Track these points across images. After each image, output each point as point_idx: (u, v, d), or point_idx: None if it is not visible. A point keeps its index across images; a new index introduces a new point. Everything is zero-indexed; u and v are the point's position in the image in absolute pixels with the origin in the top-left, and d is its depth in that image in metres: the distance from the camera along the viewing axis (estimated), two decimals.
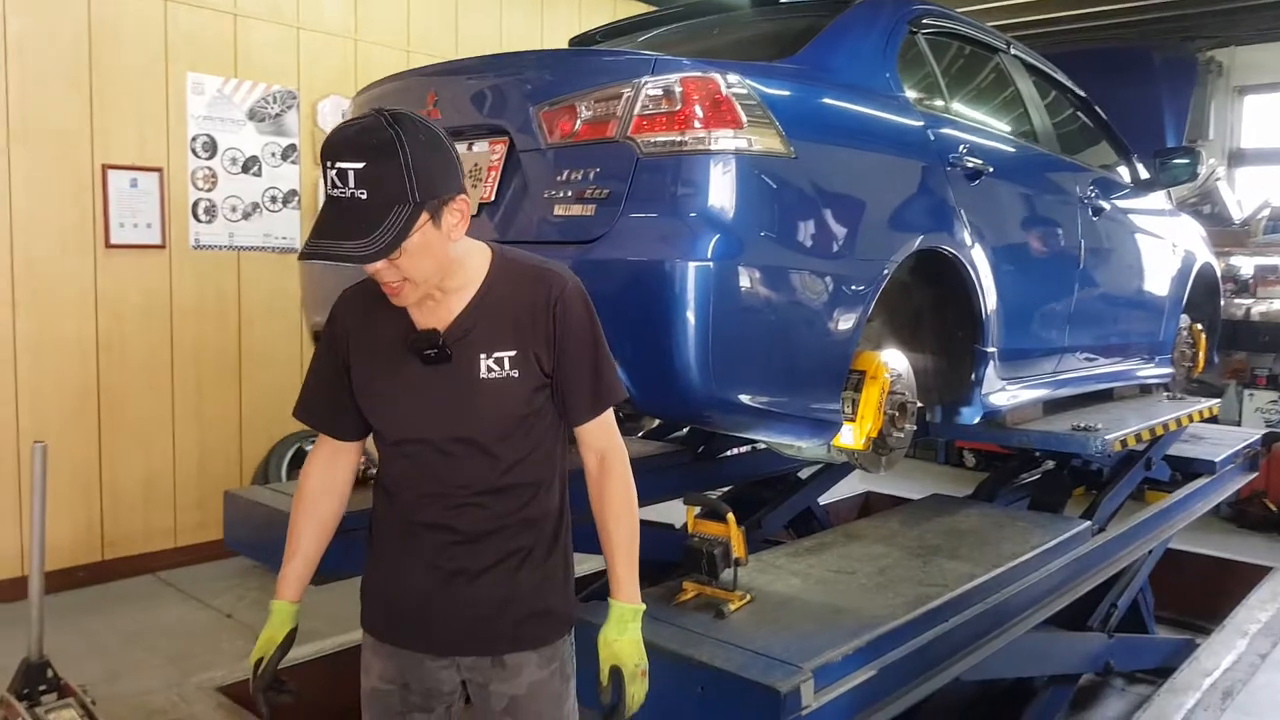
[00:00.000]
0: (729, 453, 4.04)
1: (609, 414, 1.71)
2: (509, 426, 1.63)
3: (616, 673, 1.66)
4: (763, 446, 4.17)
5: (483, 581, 1.67)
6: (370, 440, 1.79)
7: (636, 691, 1.68)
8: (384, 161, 1.46)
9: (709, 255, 2.06)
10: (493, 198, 2.37)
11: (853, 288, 2.31)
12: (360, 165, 1.45)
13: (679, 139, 2.11)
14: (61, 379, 4.19)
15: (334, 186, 1.47)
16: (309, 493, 1.77)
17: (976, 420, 2.81)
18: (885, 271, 2.37)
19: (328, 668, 3.63)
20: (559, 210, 2.23)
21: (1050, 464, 3.89)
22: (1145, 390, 4.18)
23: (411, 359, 1.63)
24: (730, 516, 2.20)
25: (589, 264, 2.14)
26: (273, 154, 4.79)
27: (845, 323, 2.29)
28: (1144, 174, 3.94)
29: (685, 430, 3.93)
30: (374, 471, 1.81)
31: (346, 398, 1.71)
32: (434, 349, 1.60)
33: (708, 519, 2.25)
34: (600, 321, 1.71)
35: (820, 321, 2.26)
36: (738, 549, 2.20)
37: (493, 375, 1.61)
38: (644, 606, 1.72)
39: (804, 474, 4.44)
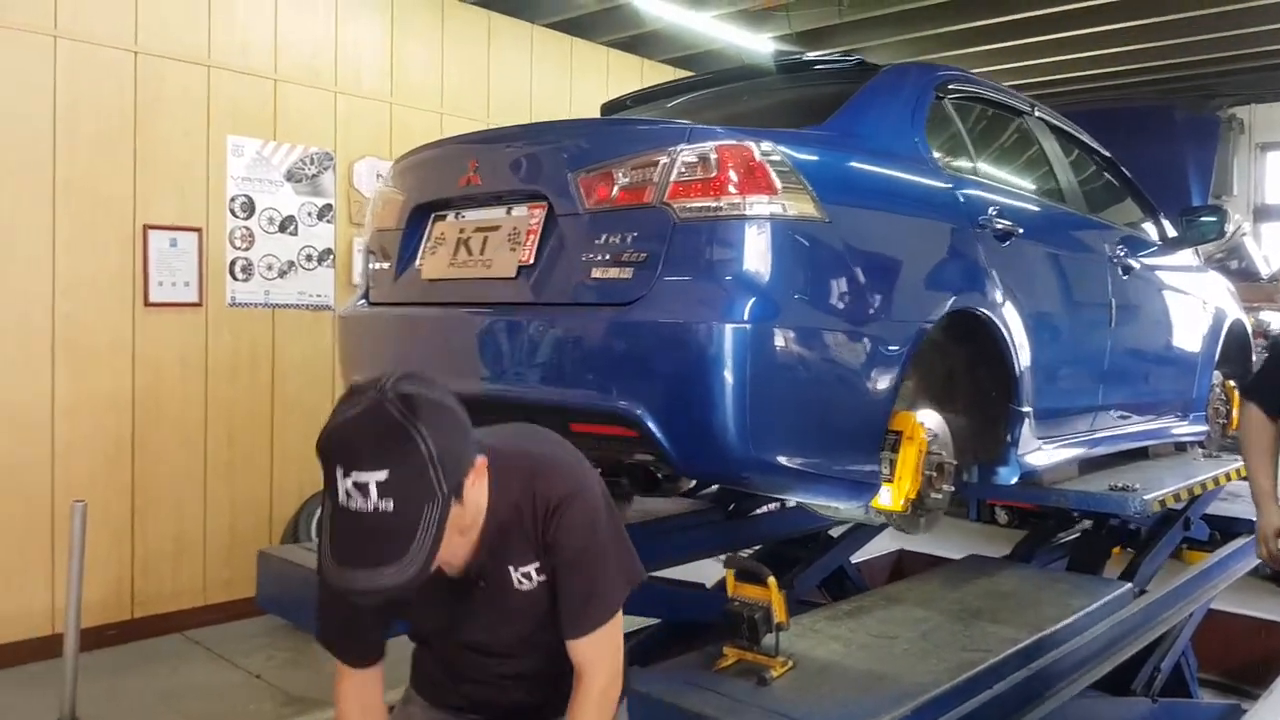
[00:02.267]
0: (760, 510, 4.02)
1: (601, 633, 1.57)
2: (548, 622, 1.59)
3: None
4: (794, 504, 4.16)
5: (534, 683, 1.68)
6: None
7: None
8: (407, 464, 1.30)
9: (745, 318, 2.09)
10: (531, 261, 2.41)
11: (888, 348, 2.32)
12: (383, 475, 1.28)
13: (714, 204, 2.15)
14: (96, 435, 4.25)
15: (350, 498, 1.29)
16: (352, 712, 1.67)
17: (1014, 480, 2.79)
18: (919, 332, 2.38)
19: None
20: (597, 273, 2.27)
21: (1088, 523, 3.84)
22: (1179, 448, 4.13)
23: (444, 598, 1.58)
24: (771, 580, 2.19)
25: (627, 326, 2.18)
26: (309, 213, 4.89)
27: (881, 383, 2.30)
28: (1171, 232, 3.95)
29: (715, 488, 3.92)
30: None
31: (370, 627, 1.63)
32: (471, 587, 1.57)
33: (747, 581, 2.23)
34: (607, 527, 1.58)
35: (857, 382, 2.27)
36: (779, 613, 2.18)
37: (524, 587, 1.56)
38: None
39: (835, 532, 4.40)
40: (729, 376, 2.07)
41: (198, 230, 4.52)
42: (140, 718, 3.34)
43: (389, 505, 1.29)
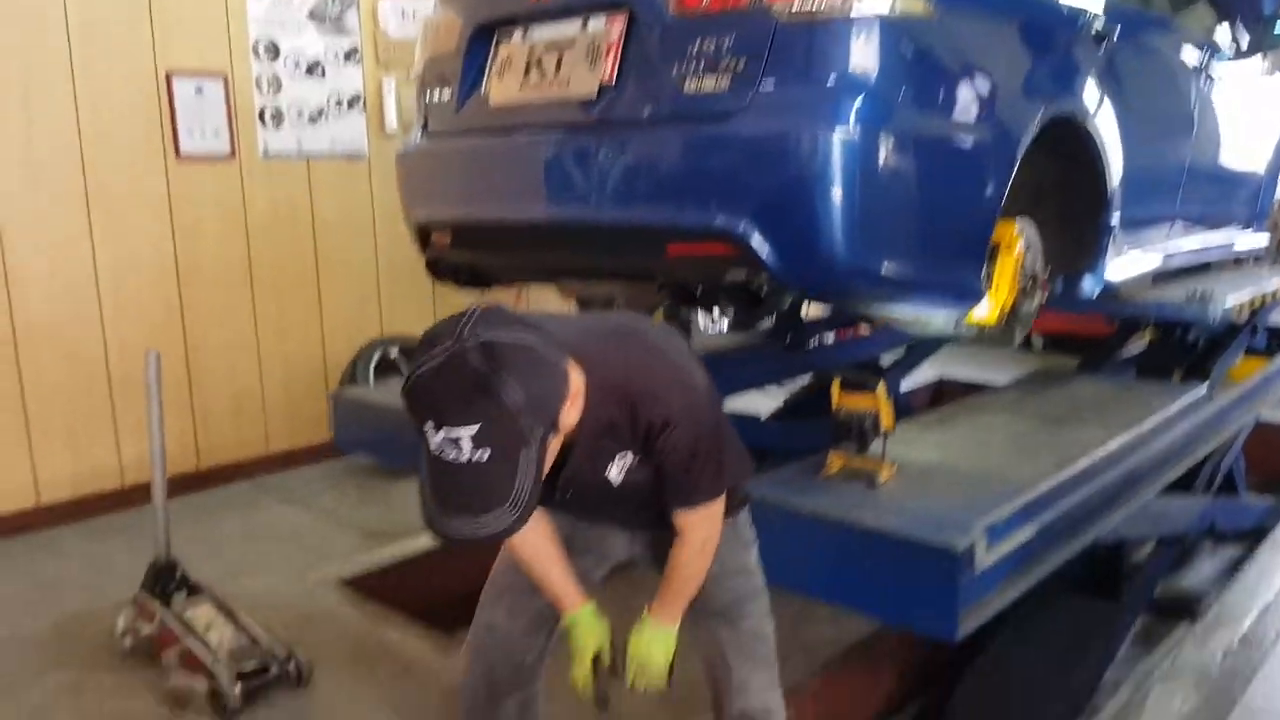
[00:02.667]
0: (814, 343, 4.05)
1: (704, 508, 1.62)
2: (646, 488, 1.61)
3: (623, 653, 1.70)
4: (865, 330, 4.18)
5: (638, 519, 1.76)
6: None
7: (638, 679, 1.69)
8: (498, 415, 1.26)
9: (853, 123, 2.02)
10: (613, 80, 2.31)
11: (994, 153, 2.26)
12: (474, 429, 1.25)
13: (819, 4, 2.04)
14: (143, 300, 4.21)
15: (444, 451, 1.27)
16: (521, 542, 1.69)
17: (1097, 292, 2.78)
18: (1025, 137, 2.31)
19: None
20: (690, 86, 2.18)
21: (1147, 340, 3.88)
22: (1237, 263, 4.12)
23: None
24: (880, 387, 2.21)
25: (726, 139, 2.11)
26: (335, 55, 4.68)
27: (988, 189, 2.25)
28: (1245, 38, 3.80)
29: (772, 320, 3.92)
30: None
31: None
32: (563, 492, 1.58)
33: (853, 390, 2.25)
34: (711, 436, 1.58)
35: (963, 188, 2.23)
36: (886, 420, 2.22)
37: (616, 474, 1.57)
38: (674, 629, 1.70)
39: (885, 361, 4.45)
40: (836, 186, 2.01)
41: (222, 76, 4.34)
42: (224, 557, 3.46)
43: (484, 455, 1.26)
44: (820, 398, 2.59)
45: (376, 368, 4.67)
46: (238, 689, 2.62)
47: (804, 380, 4.23)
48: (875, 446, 2.24)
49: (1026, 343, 6.98)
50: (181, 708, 2.65)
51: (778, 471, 2.32)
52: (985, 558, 1.90)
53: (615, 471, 1.55)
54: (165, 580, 3.05)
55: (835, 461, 2.28)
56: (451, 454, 1.26)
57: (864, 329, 4.21)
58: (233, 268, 4.47)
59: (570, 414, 1.39)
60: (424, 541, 3.83)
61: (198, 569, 3.09)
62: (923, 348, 4.30)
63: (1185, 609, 3.70)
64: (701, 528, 1.61)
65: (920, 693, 3.30)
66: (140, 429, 4.17)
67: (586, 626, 1.69)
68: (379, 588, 3.48)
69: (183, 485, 4.37)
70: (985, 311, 2.40)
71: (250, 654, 2.76)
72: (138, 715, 2.62)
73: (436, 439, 1.26)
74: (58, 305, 3.99)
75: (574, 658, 1.69)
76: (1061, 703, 3.03)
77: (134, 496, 4.15)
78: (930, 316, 2.44)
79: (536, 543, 1.70)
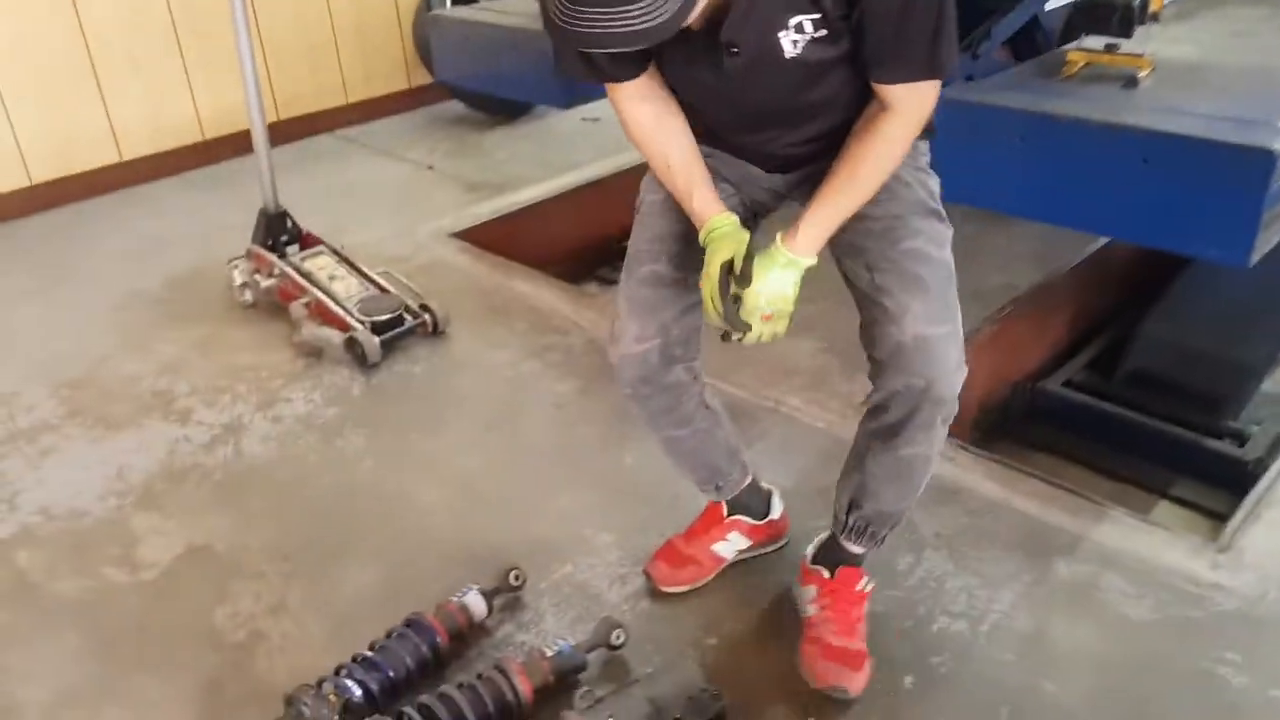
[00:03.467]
0: None
1: (917, 85, 1.23)
2: (823, 81, 1.27)
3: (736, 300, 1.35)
4: None
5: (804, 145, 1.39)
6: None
7: (756, 327, 1.35)
8: None
9: None
10: None
11: None
12: None
13: None
14: None
15: None
16: (649, 117, 1.38)
17: None
18: None
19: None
20: None
21: None
22: None
23: (702, 67, 1.26)
24: None
25: None
26: None
27: None
28: None
29: None
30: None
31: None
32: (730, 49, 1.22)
33: None
34: None
35: None
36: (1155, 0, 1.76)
37: (795, 50, 1.21)
38: (809, 263, 1.33)
39: None
40: None
41: None
42: (326, 211, 3.21)
43: None
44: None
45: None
46: (376, 340, 2.49)
47: None
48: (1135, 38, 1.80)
49: None
50: (317, 359, 2.55)
51: (999, 77, 1.90)
52: None
53: (791, 40, 1.20)
54: (276, 231, 2.84)
55: (1077, 60, 1.85)
56: None
57: None
58: None
59: None
60: (529, 194, 3.56)
61: (300, 223, 2.88)
62: None
63: None
64: (902, 111, 1.25)
65: (1090, 340, 3.12)
66: (212, 82, 3.82)
67: (726, 233, 1.39)
68: (490, 239, 3.26)
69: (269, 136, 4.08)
70: None
71: (383, 304, 2.60)
72: (274, 367, 2.52)
73: None
74: None
75: (706, 262, 1.39)
76: (1250, 348, 2.80)
77: (215, 150, 3.89)
78: None
79: (684, 144, 1.40)
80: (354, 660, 1.53)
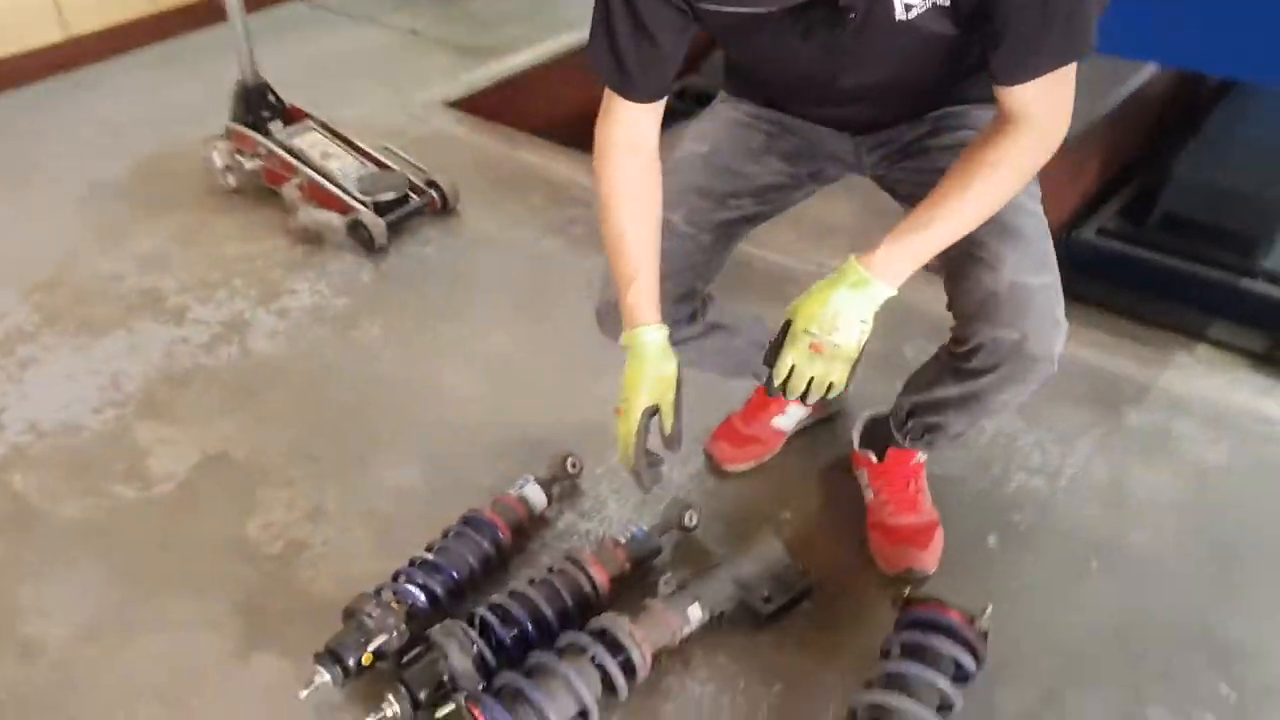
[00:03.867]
0: None
1: (1053, 77, 1.01)
2: (932, 60, 1.10)
3: (786, 327, 1.14)
4: None
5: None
6: None
7: (800, 363, 1.12)
8: None
9: None
10: None
11: None
12: None
13: None
14: None
15: None
16: (627, 178, 1.20)
17: None
18: None
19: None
20: None
21: None
22: None
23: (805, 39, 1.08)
24: None
25: None
26: None
27: None
28: None
29: None
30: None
31: (663, 47, 1.12)
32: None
33: None
34: None
35: None
36: None
37: (909, 14, 1.02)
38: (888, 294, 1.09)
39: None
40: None
41: None
42: (309, 84, 2.87)
43: None
44: None
45: None
46: (382, 222, 2.25)
47: None
48: None
49: None
50: (317, 245, 2.32)
51: None
52: None
53: (904, 4, 1.02)
54: (258, 105, 2.54)
55: None
56: None
57: None
58: None
59: None
60: (526, 57, 3.26)
61: (282, 96, 2.58)
62: None
63: None
64: (1035, 126, 1.04)
65: (1120, 188, 2.97)
66: None
67: (653, 355, 1.19)
68: (490, 108, 2.99)
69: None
70: None
71: (385, 182, 2.35)
72: (270, 257, 2.29)
73: None
74: None
75: (622, 400, 1.21)
76: None
77: (169, 24, 3.51)
78: None
79: (650, 225, 1.22)
80: (411, 564, 1.39)
